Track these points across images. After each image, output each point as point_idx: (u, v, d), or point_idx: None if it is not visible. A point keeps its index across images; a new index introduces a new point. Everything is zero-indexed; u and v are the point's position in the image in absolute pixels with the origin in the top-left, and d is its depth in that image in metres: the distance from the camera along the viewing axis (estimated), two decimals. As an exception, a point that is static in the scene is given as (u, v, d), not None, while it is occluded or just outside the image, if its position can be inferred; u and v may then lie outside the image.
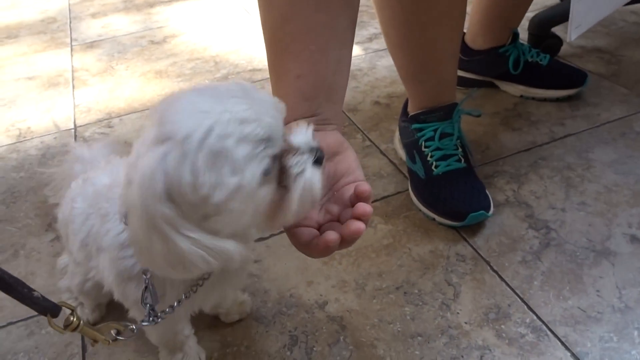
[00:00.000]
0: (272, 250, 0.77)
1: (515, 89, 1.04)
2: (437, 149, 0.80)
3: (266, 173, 0.39)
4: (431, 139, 0.81)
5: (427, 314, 0.66)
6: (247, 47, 1.37)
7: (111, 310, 0.70)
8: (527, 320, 0.63)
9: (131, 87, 1.23)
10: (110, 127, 1.10)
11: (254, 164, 0.38)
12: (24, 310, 0.71)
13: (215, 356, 0.64)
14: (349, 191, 0.46)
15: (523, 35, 1.09)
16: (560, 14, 1.11)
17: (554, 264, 0.70)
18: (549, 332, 0.62)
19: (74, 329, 0.45)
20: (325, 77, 0.51)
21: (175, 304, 0.48)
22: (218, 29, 1.48)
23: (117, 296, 0.51)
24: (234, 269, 0.49)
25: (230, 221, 0.40)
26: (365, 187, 0.44)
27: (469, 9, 0.83)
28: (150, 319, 0.46)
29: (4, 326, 0.70)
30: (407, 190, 0.85)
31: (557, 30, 1.14)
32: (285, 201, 0.41)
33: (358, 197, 0.44)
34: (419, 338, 0.63)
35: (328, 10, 0.50)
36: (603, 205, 0.78)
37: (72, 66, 1.35)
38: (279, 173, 0.41)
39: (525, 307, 0.65)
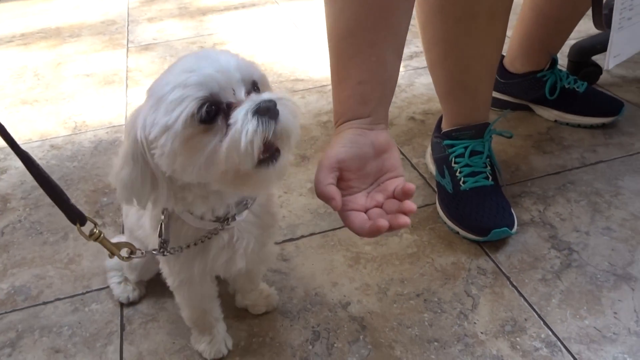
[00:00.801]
0: (300, 250, 0.81)
1: (550, 114, 1.06)
2: (466, 165, 0.83)
3: (203, 120, 0.43)
4: (461, 155, 0.84)
5: (445, 322, 0.68)
6: (291, 58, 1.43)
7: (150, 290, 0.76)
8: (542, 335, 0.65)
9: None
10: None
11: (182, 106, 0.42)
12: (71, 288, 0.77)
13: (242, 344, 0.68)
14: (392, 185, 0.54)
15: (562, 61, 1.11)
16: (601, 43, 1.13)
17: (573, 284, 0.72)
18: (563, 348, 0.64)
19: (96, 239, 0.53)
20: (381, 85, 0.58)
21: (184, 246, 0.54)
22: (265, 40, 1.55)
23: (151, 244, 0.57)
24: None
25: (165, 159, 0.44)
26: (411, 186, 0.51)
27: (509, 32, 0.86)
28: (161, 250, 0.53)
29: (51, 301, 0.76)
30: (434, 203, 0.88)
31: (597, 58, 1.15)
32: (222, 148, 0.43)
33: (405, 195, 0.51)
34: (436, 343, 0.66)
35: (387, 27, 0.56)
36: (628, 231, 0.80)
37: (127, 66, 1.44)
38: (227, 125, 0.43)
39: (542, 322, 0.67)
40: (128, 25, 1.72)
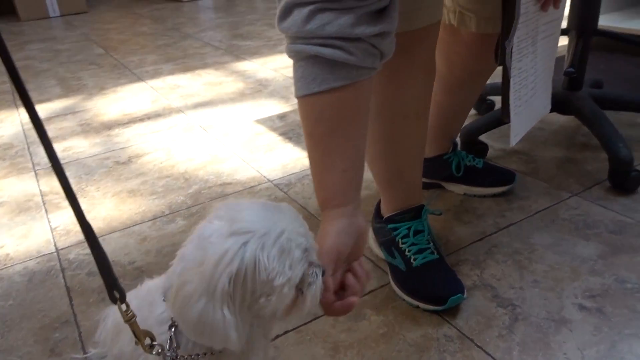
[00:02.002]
0: (280, 350, 0.83)
1: (459, 188, 1.23)
2: (413, 244, 0.93)
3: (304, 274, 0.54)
4: (406, 236, 0.94)
5: (432, 391, 0.75)
6: (213, 163, 1.49)
7: None
8: (516, 386, 0.74)
9: (106, 207, 1.29)
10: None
11: (300, 265, 0.53)
12: None
13: None
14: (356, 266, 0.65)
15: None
16: (484, 125, 1.35)
17: (525, 335, 0.83)
18: (535, 394, 0.73)
19: (128, 320, 0.53)
20: (359, 171, 0.69)
21: (200, 354, 0.56)
22: (181, 148, 1.60)
23: None
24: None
25: (276, 303, 0.52)
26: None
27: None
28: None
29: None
30: (389, 283, 0.96)
31: (482, 137, 1.37)
32: (300, 300, 0.55)
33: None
34: (430, 414, 0.72)
35: (359, 123, 0.68)
36: (551, 281, 0.94)
37: (41, 190, 1.38)
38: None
39: (512, 374, 0.76)
40: (29, 147, 1.67)
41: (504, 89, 0.86)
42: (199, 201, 1.30)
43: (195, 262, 0.52)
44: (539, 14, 0.90)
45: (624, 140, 1.20)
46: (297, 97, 0.67)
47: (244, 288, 0.51)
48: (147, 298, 0.61)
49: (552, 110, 1.23)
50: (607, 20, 2.07)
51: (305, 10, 0.61)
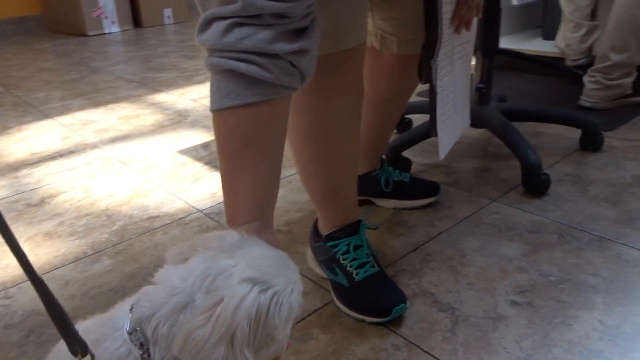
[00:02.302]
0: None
1: (388, 203, 1.27)
2: (354, 259, 0.95)
3: None
4: (347, 252, 0.96)
5: (387, 401, 0.75)
6: (137, 197, 1.43)
7: None
8: (465, 385, 0.77)
9: (23, 252, 1.19)
10: (9, 297, 1.05)
11: (293, 315, 0.55)
12: None
13: None
14: None
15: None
16: (406, 141, 1.41)
17: (467, 335, 0.87)
18: (484, 390, 0.76)
19: None
20: (271, 189, 0.68)
21: None
22: (100, 184, 1.52)
23: None
24: None
25: (270, 354, 0.54)
26: None
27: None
28: None
29: None
30: (332, 300, 0.96)
31: (405, 153, 1.43)
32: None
33: None
34: (388, 423, 0.72)
35: (273, 139, 0.67)
36: (484, 282, 0.99)
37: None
38: None
39: (460, 374, 0.79)
40: None
41: (431, 106, 0.91)
42: (125, 237, 1.24)
43: (204, 304, 0.50)
44: (453, 36, 0.96)
45: (532, 148, 1.30)
46: (212, 110, 0.66)
47: (255, 335, 0.51)
48: (88, 337, 0.57)
49: (466, 124, 1.31)
50: (506, 42, 2.27)
51: (224, 24, 0.61)
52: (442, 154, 0.98)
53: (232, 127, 0.65)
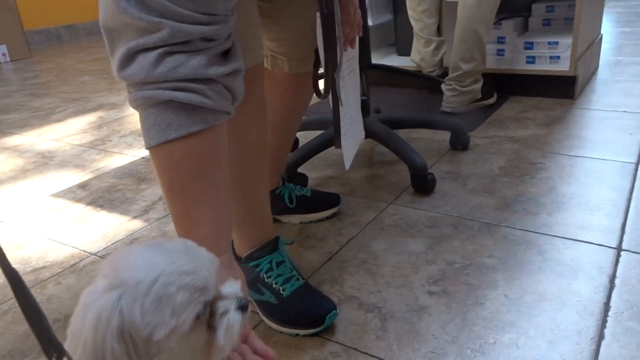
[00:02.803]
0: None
1: (295, 219, 1.28)
2: (279, 275, 0.94)
3: (199, 317, 0.49)
4: (270, 269, 0.95)
5: (340, 407, 0.76)
6: (13, 250, 1.26)
7: None
8: (408, 375, 0.81)
9: None
10: None
11: (190, 308, 0.48)
12: None
13: None
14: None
15: (281, 177, 1.36)
16: (301, 158, 1.45)
17: (397, 330, 0.91)
18: (425, 376, 0.80)
19: None
20: (230, 217, 0.66)
21: None
22: (-39, 242, 1.32)
23: None
24: None
25: (168, 357, 0.48)
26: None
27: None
28: None
29: None
30: (261, 322, 0.95)
31: (300, 169, 1.47)
32: (213, 340, 0.51)
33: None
34: None
35: (223, 168, 0.66)
36: (400, 279, 1.05)
37: None
38: (210, 317, 0.52)
39: (401, 366, 0.83)
40: None
41: (335, 119, 0.95)
42: (9, 296, 1.09)
43: (74, 331, 0.46)
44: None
45: (416, 151, 1.42)
46: (150, 147, 0.63)
47: (135, 346, 0.45)
48: None
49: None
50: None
51: (153, 54, 0.59)
52: (347, 164, 1.03)
53: (179, 160, 0.62)
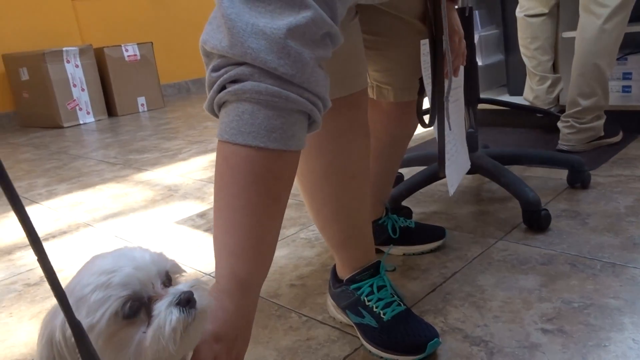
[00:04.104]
0: None
1: (397, 250, 1.27)
2: (379, 299, 0.94)
3: (127, 316, 0.48)
4: (371, 293, 0.94)
5: None
6: (139, 268, 1.39)
7: None
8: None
9: (26, 331, 1.13)
10: (14, 377, 0.98)
11: (105, 306, 0.47)
12: None
13: None
14: None
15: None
16: (405, 190, 1.45)
17: (505, 366, 0.85)
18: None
19: None
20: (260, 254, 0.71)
21: None
22: (97, 259, 1.48)
23: None
24: None
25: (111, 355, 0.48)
26: None
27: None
28: None
29: None
30: (360, 346, 0.94)
31: (404, 203, 1.46)
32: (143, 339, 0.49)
33: None
34: None
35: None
36: (509, 314, 0.99)
37: None
38: (148, 317, 0.50)
39: (509, 402, 0.77)
40: None
41: (439, 145, 0.95)
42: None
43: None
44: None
45: (529, 186, 1.35)
46: (246, 144, 0.63)
47: (68, 348, 0.47)
48: None
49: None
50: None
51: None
52: (451, 190, 1.01)
53: (280, 171, 0.66)
